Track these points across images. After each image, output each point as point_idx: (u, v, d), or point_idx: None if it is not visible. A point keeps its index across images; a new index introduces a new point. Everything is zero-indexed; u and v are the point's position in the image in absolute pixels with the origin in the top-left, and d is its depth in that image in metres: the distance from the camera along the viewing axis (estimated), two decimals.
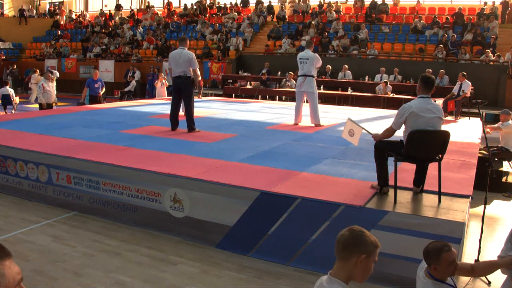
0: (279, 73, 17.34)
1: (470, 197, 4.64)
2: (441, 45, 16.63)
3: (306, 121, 9.10)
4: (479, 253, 4.42)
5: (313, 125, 8.84)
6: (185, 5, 25.37)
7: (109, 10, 27.26)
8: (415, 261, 2.92)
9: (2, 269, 1.27)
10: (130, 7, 27.99)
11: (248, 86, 16.67)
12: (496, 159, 7.93)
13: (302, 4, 22.22)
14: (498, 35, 17.19)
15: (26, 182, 6.20)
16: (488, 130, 7.85)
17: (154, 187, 5.15)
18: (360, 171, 5.42)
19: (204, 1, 24.99)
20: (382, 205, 4.33)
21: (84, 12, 28.11)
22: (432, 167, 4.54)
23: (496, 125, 8.15)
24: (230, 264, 4.41)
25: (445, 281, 2.58)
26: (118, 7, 26.74)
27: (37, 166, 6.07)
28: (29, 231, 5.06)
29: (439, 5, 20.72)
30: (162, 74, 15.54)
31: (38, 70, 17.53)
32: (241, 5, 24.01)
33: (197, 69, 7.77)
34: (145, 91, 19.48)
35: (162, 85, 14.72)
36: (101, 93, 12.12)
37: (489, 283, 4.11)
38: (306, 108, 9.24)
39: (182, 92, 7.67)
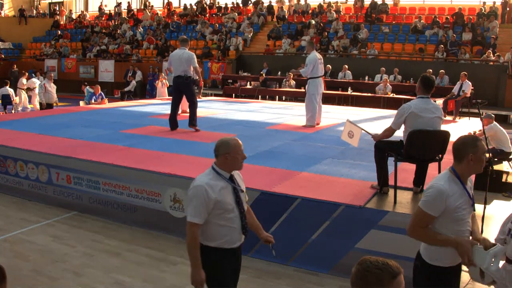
0: (279, 73, 17.33)
1: None
2: (441, 45, 16.62)
3: (303, 121, 9.08)
4: None
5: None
6: (185, 5, 25.35)
7: (109, 10, 27.24)
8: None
9: None
10: (130, 6, 27.92)
11: (248, 86, 16.65)
12: (496, 159, 7.94)
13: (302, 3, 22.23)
14: (498, 35, 17.17)
15: (26, 182, 6.20)
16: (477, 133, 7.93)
17: (154, 187, 5.15)
18: (360, 171, 5.43)
19: (203, 2, 24.97)
20: (382, 205, 4.33)
21: (84, 12, 28.09)
22: (432, 167, 4.54)
23: (480, 130, 8.12)
24: None
25: (465, 184, 2.58)
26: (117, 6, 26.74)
27: (37, 166, 6.07)
28: (29, 231, 5.07)
29: (439, 5, 20.70)
30: (163, 74, 15.53)
31: (27, 73, 15.47)
32: (242, 3, 23.95)
33: (198, 67, 8.01)
34: (146, 91, 19.48)
35: (162, 85, 14.73)
36: (105, 101, 12.64)
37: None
38: (301, 108, 9.18)
39: (184, 91, 7.89)
